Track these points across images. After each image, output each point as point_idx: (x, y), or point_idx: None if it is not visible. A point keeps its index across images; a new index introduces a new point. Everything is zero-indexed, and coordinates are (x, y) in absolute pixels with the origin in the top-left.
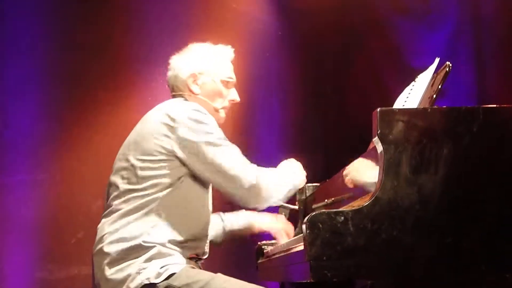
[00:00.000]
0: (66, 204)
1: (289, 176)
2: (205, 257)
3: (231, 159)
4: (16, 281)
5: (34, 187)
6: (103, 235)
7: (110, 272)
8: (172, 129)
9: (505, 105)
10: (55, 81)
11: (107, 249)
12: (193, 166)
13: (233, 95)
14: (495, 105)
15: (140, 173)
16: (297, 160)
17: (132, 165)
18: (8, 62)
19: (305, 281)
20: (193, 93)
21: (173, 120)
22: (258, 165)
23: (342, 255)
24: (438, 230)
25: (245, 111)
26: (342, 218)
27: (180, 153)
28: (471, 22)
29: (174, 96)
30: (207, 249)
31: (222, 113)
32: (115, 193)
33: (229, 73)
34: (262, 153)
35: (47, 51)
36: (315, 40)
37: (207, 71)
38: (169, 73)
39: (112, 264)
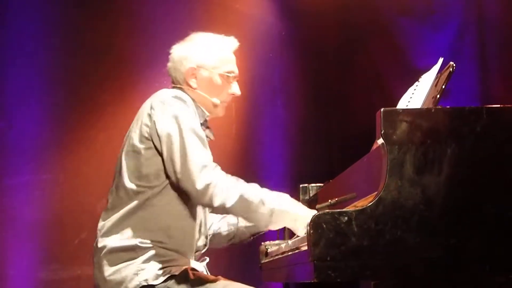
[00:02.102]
0: (70, 204)
1: (261, 196)
2: (205, 249)
3: (196, 149)
4: (19, 282)
5: (37, 187)
6: (99, 229)
7: (108, 273)
8: (150, 116)
9: (508, 105)
10: (58, 83)
11: (103, 242)
12: (162, 151)
13: (234, 89)
14: (498, 105)
15: (125, 166)
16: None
17: (121, 158)
18: (12, 64)
19: (309, 282)
20: (191, 87)
21: (152, 108)
22: (261, 165)
23: (346, 255)
24: (442, 230)
25: (249, 112)
26: (346, 218)
27: (155, 139)
28: (475, 22)
29: (173, 87)
30: (202, 242)
31: (221, 108)
32: (110, 189)
33: (229, 67)
34: (265, 153)
35: (50, 53)
36: (318, 41)
37: (206, 65)
38: (169, 64)
39: (109, 258)
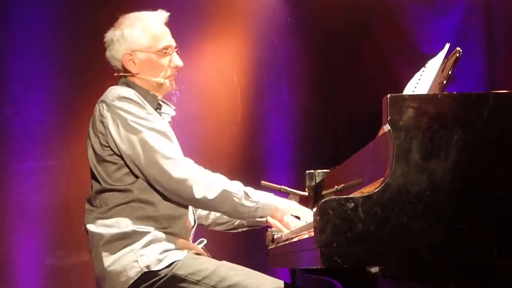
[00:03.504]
0: (76, 190)
1: (237, 191)
2: (195, 226)
3: (162, 145)
4: (26, 268)
5: (44, 174)
6: (90, 226)
7: (108, 264)
8: (103, 124)
9: None
10: (64, 68)
11: (98, 232)
12: (126, 157)
13: (176, 61)
14: (505, 91)
15: (98, 174)
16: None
17: (91, 165)
18: (18, 50)
19: (315, 268)
20: (132, 73)
21: (102, 116)
22: (267, 151)
23: (352, 241)
24: (448, 216)
25: (255, 97)
26: (352, 204)
27: (113, 147)
28: (481, 7)
29: (119, 78)
30: (192, 219)
31: (168, 83)
32: (90, 190)
33: (164, 42)
34: (271, 139)
35: (56, 39)
36: (324, 26)
37: (140, 47)
38: (106, 54)
39: (108, 249)
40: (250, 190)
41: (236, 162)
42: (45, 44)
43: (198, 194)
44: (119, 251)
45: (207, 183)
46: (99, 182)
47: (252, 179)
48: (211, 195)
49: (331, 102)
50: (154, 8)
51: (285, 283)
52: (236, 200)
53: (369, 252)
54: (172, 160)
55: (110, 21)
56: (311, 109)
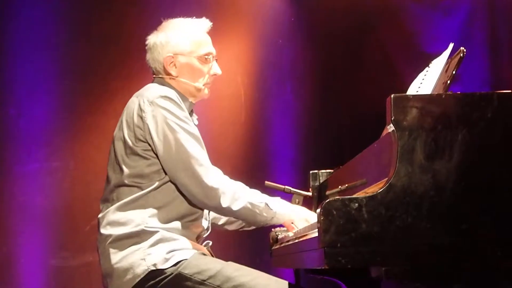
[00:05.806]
0: (80, 191)
1: (258, 202)
2: (207, 233)
3: (197, 151)
4: (31, 269)
5: (48, 175)
6: (102, 222)
7: (115, 261)
8: (141, 118)
9: None
10: (68, 70)
11: (107, 231)
12: (160, 155)
13: (215, 69)
14: (510, 91)
15: (125, 167)
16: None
17: (118, 158)
18: (22, 52)
19: (319, 268)
20: (172, 76)
21: (142, 110)
22: (271, 152)
23: (356, 242)
24: (453, 216)
25: (258, 98)
26: (356, 204)
27: (150, 142)
28: (485, 7)
29: (155, 78)
30: (206, 225)
31: (206, 90)
32: (107, 185)
33: (206, 49)
34: (275, 140)
35: (60, 41)
36: (328, 26)
37: (182, 51)
38: (147, 56)
39: (116, 246)
40: (270, 200)
41: (240, 162)
42: (49, 45)
43: (224, 204)
44: (126, 248)
45: (234, 194)
46: (121, 175)
47: (256, 179)
48: (236, 206)
49: (335, 102)
50: (159, 8)
51: (289, 283)
52: (257, 211)
53: (373, 252)
54: (204, 168)
55: (115, 23)
56: (315, 109)
